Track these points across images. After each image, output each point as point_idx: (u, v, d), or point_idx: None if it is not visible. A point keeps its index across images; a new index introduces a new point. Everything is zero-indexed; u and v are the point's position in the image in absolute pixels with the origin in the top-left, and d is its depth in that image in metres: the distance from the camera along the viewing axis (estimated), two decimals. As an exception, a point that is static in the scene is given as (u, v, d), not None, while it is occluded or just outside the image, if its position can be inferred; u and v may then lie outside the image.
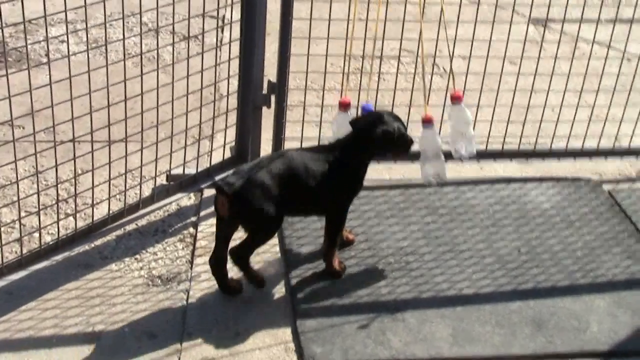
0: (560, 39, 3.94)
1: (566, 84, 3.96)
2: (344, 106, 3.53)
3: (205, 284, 3.35)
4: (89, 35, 4.36)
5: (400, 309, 3.24)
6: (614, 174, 4.14)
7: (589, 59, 3.94)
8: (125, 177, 3.56)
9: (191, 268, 3.43)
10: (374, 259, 3.47)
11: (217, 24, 3.66)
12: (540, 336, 3.16)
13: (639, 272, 3.49)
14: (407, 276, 3.39)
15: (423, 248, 3.55)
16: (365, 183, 3.56)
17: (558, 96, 4.02)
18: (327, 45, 3.70)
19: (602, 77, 3.97)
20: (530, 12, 3.88)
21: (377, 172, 3.93)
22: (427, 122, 3.51)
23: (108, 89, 3.34)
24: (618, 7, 3.88)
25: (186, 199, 3.79)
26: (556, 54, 3.90)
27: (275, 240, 3.56)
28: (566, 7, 3.82)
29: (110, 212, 3.56)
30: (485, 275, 3.42)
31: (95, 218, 3.54)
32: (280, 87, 3.78)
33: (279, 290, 3.34)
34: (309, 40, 3.67)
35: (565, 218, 3.76)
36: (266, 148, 3.92)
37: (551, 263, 3.50)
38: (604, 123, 4.10)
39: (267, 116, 3.91)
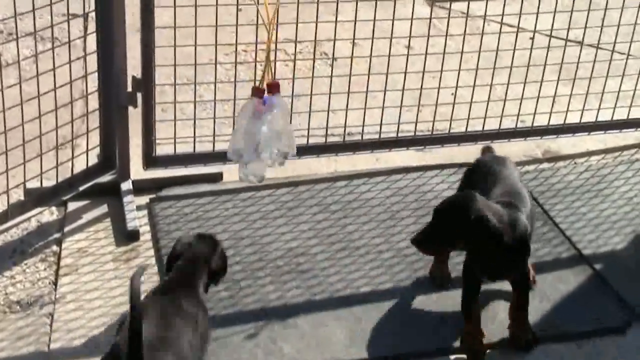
0: (449, 15, 4.06)
1: (460, 62, 4.08)
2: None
3: (71, 305, 3.32)
4: None
5: (291, 315, 3.27)
6: (518, 156, 4.27)
7: (481, 36, 4.07)
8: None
9: (55, 289, 3.39)
10: (261, 263, 3.50)
11: (68, 17, 3.62)
12: (445, 330, 3.23)
13: (547, 255, 3.62)
14: (298, 279, 3.43)
15: (315, 248, 3.60)
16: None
17: (455, 77, 4.13)
18: (195, 35, 3.72)
19: (497, 53, 4.09)
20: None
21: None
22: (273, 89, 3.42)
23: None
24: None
25: (47, 214, 3.75)
26: (447, 31, 4.02)
27: (148, 246, 3.57)
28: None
29: (-43, 233, 3.50)
30: (383, 272, 3.49)
31: (-62, 242, 3.47)
32: (146, 84, 3.79)
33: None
34: (175, 30, 3.69)
35: (468, 205, 3.86)
36: (137, 152, 3.91)
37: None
38: (504, 103, 4.23)
39: (136, 117, 3.90)
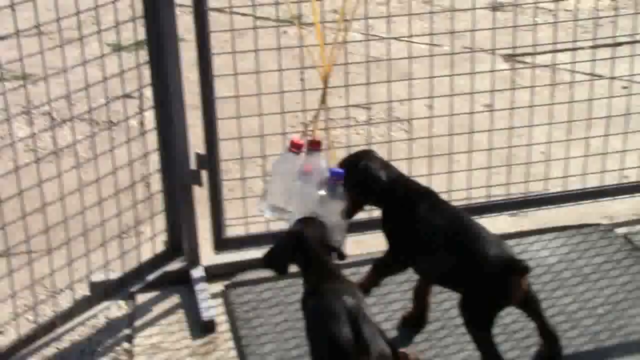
0: (533, 68, 3.99)
1: (549, 119, 3.97)
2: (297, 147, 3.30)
3: (150, 407, 3.21)
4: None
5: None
6: (627, 215, 4.14)
7: (570, 88, 3.99)
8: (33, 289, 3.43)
9: (131, 391, 3.29)
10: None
11: (124, 99, 3.58)
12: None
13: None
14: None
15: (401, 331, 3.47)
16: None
17: (542, 134, 4.03)
18: (260, 106, 3.66)
19: (590, 104, 4.00)
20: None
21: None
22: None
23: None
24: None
25: (115, 309, 3.67)
26: (531, 85, 3.93)
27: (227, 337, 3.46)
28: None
29: (20, 335, 3.40)
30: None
31: (-1, 346, 3.39)
32: (211, 159, 3.72)
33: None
34: (239, 101, 3.62)
35: (577, 272, 3.73)
36: (205, 235, 3.82)
37: (568, 326, 3.44)
38: (606, 157, 4.11)
39: (201, 199, 3.83)
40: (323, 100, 3.37)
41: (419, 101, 4.15)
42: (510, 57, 5.13)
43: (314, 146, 3.30)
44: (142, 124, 3.86)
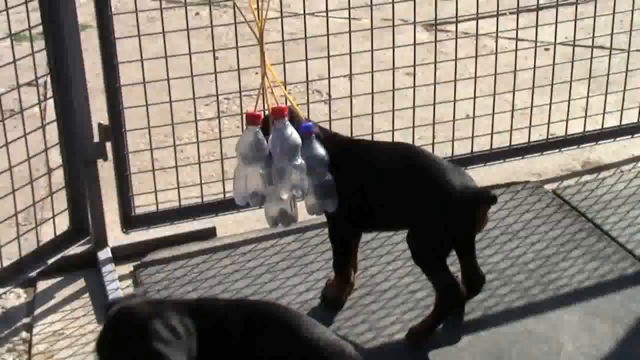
0: (457, 36, 3.83)
1: (475, 83, 3.82)
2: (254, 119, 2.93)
3: (50, 399, 2.96)
4: None
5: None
6: (555, 171, 4.03)
7: (496, 55, 3.83)
8: None
9: (29, 381, 3.03)
10: (272, 322, 3.14)
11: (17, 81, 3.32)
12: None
13: (609, 273, 3.32)
14: (318, 334, 3.06)
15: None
16: (251, 235, 3.38)
17: (468, 101, 3.88)
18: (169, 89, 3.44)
19: (515, 65, 3.86)
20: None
21: (262, 221, 3.65)
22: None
23: None
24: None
25: (13, 297, 3.40)
26: (456, 49, 3.77)
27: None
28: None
29: None
30: (418, 314, 3.16)
31: None
32: (115, 130, 3.48)
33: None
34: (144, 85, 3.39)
35: (506, 230, 3.59)
36: (112, 217, 3.58)
37: (499, 283, 3.30)
38: (531, 113, 3.95)
39: (108, 177, 3.59)
40: (263, 59, 3.07)
41: (338, 75, 3.95)
42: (431, 27, 4.95)
43: (278, 113, 2.91)
44: (40, 105, 3.63)
